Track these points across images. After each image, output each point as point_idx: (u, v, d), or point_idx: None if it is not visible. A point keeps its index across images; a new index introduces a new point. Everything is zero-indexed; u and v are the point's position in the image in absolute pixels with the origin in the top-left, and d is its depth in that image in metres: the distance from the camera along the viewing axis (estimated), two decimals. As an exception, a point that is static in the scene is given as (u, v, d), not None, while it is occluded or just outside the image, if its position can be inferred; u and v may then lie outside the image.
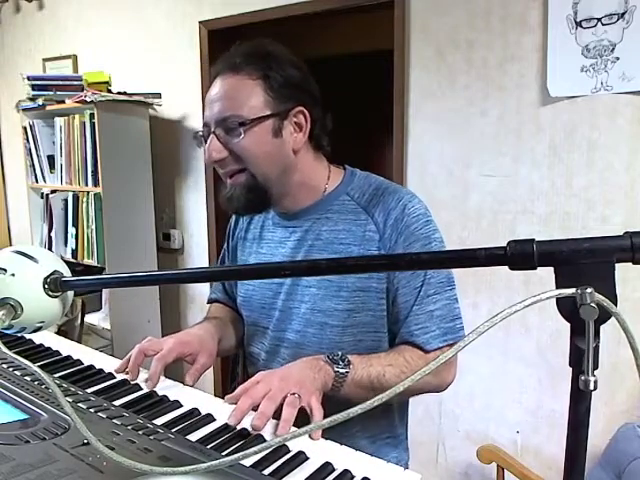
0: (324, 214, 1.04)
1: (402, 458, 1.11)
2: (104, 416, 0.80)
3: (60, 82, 2.61)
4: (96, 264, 2.57)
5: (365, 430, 1.03)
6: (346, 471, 0.70)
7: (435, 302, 0.99)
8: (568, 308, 0.43)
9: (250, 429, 0.80)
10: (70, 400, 0.85)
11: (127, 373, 0.98)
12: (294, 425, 0.80)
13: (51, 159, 2.73)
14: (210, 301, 1.27)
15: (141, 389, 0.94)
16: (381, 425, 1.07)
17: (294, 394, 0.83)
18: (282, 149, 0.97)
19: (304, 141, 0.99)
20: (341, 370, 0.91)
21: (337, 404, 0.93)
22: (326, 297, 1.01)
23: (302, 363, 0.92)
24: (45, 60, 3.20)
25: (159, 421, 0.81)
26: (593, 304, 0.41)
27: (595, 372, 0.42)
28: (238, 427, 0.81)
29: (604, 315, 0.41)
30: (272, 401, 0.81)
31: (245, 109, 0.94)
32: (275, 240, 1.09)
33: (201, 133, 1.00)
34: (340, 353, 0.94)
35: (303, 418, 0.82)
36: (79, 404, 0.84)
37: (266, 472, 0.69)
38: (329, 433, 0.73)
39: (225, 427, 0.81)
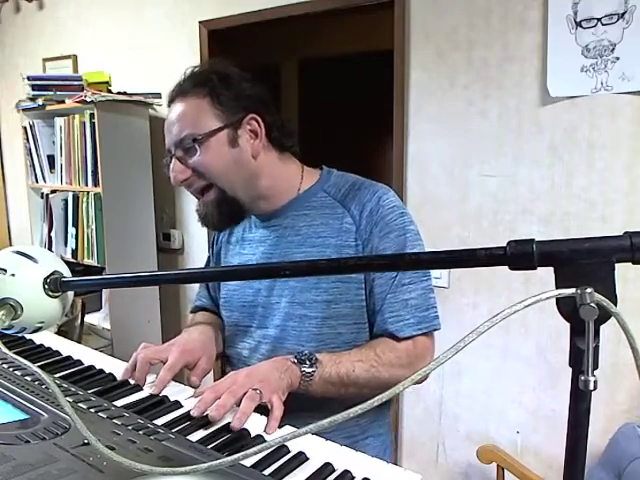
0: (302, 211, 1.06)
1: (384, 457, 1.11)
2: (104, 416, 0.80)
3: (60, 82, 2.61)
4: (96, 264, 2.56)
5: (342, 430, 1.02)
6: (346, 471, 0.70)
7: (410, 291, 1.01)
8: (568, 308, 0.43)
9: (250, 429, 0.81)
10: (70, 400, 0.84)
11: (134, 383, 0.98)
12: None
13: (51, 159, 2.73)
14: (195, 309, 1.27)
15: (141, 389, 0.94)
16: (361, 425, 1.07)
17: (256, 389, 0.86)
18: (241, 157, 1.00)
19: (262, 146, 1.02)
20: (307, 370, 0.93)
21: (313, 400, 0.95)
22: (305, 289, 1.02)
23: (270, 363, 0.95)
24: (45, 60, 3.20)
25: (159, 421, 0.81)
26: (593, 304, 0.41)
27: (595, 372, 0.42)
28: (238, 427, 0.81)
29: (604, 315, 0.41)
30: (232, 394, 0.85)
31: (196, 126, 0.97)
32: (256, 240, 1.11)
33: (166, 160, 1.02)
34: (308, 352, 0.96)
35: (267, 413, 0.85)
36: (79, 404, 0.84)
37: (266, 472, 0.69)
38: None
39: (226, 428, 0.81)
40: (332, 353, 0.99)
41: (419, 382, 1.07)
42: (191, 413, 0.83)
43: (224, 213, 1.02)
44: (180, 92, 1.01)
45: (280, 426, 0.83)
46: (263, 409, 0.86)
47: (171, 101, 1.03)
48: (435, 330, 1.03)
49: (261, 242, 1.09)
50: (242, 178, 1.01)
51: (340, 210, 1.04)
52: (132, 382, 0.96)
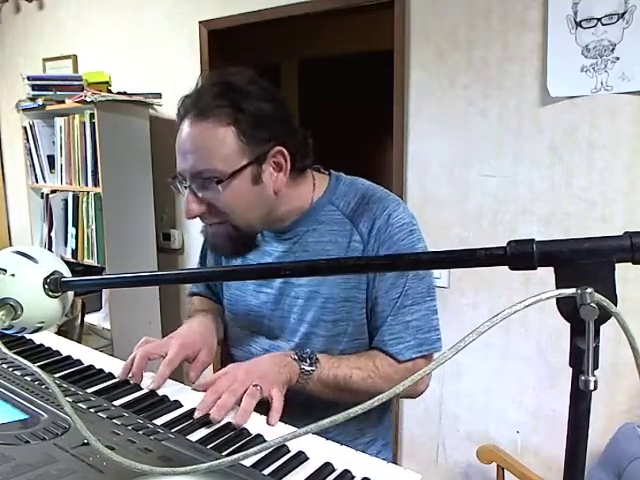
0: (311, 225, 1.03)
1: (386, 457, 1.12)
2: (104, 416, 0.80)
3: (60, 82, 2.61)
4: (96, 264, 2.56)
5: (343, 431, 1.02)
6: (346, 471, 0.70)
7: (412, 313, 0.99)
8: (568, 308, 0.43)
9: (249, 428, 0.81)
10: (70, 400, 0.84)
11: (131, 377, 0.98)
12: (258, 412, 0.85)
13: (51, 159, 2.73)
14: (192, 294, 1.27)
15: (141, 389, 0.94)
16: (361, 426, 1.08)
17: (256, 386, 0.86)
18: (263, 194, 0.94)
19: (285, 179, 0.96)
20: (307, 368, 0.93)
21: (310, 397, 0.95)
22: (313, 308, 1.01)
23: (270, 357, 0.95)
24: (45, 60, 3.20)
25: (159, 421, 0.81)
26: (593, 304, 0.41)
27: (595, 372, 0.42)
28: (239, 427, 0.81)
29: (604, 315, 0.41)
30: (232, 394, 0.85)
31: (220, 163, 0.89)
32: (261, 250, 1.08)
33: (176, 180, 0.96)
34: (309, 351, 0.96)
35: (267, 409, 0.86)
36: (79, 404, 0.84)
37: (266, 472, 0.69)
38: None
39: (225, 427, 0.81)
40: (332, 356, 0.99)
41: (415, 396, 1.07)
42: (194, 415, 0.83)
43: (237, 246, 0.99)
44: (198, 110, 0.90)
45: (282, 421, 0.84)
46: (263, 408, 0.86)
47: (184, 113, 0.92)
48: (436, 352, 1.02)
49: (267, 254, 1.07)
50: (260, 214, 0.97)
51: (349, 227, 1.00)
52: (132, 382, 0.96)
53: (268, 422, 0.83)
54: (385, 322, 0.99)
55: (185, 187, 0.94)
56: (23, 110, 2.72)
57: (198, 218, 0.97)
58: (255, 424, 0.83)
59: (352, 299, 1.00)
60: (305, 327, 1.02)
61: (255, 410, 0.85)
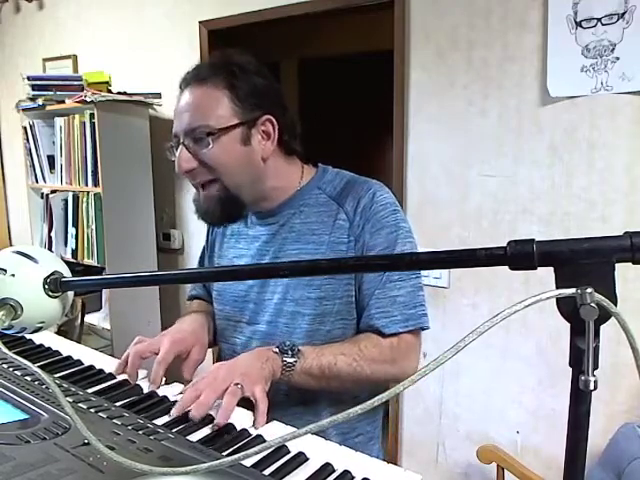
0: (297, 208, 1.06)
1: (372, 454, 1.12)
2: (104, 416, 0.80)
3: (60, 82, 2.61)
4: (96, 264, 2.57)
5: (336, 427, 1.03)
6: (346, 472, 0.70)
7: (399, 288, 1.01)
8: (568, 308, 0.43)
9: (249, 428, 0.81)
10: (70, 400, 0.84)
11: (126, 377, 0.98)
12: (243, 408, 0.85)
13: (51, 159, 2.73)
14: (190, 297, 1.30)
15: (141, 389, 0.94)
16: (351, 422, 1.07)
17: (237, 384, 0.86)
18: (251, 157, 1.00)
19: (272, 149, 1.01)
20: (289, 360, 0.93)
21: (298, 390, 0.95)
22: (299, 286, 1.02)
23: (251, 354, 0.95)
24: (45, 60, 3.20)
25: (159, 421, 0.81)
26: (593, 304, 0.41)
27: (595, 372, 0.42)
28: (238, 427, 0.81)
29: (604, 315, 0.41)
30: (213, 391, 0.85)
31: (212, 119, 0.96)
32: (251, 235, 1.12)
33: (171, 144, 1.02)
34: (290, 343, 0.96)
35: (251, 407, 0.86)
36: (79, 404, 0.84)
37: (266, 472, 0.69)
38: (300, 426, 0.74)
39: (225, 427, 0.81)
40: (315, 346, 0.99)
41: (400, 379, 1.07)
42: (171, 413, 0.83)
43: (226, 211, 1.02)
44: (197, 77, 0.98)
45: (268, 421, 0.83)
46: (251, 404, 0.85)
47: (185, 85, 1.00)
48: (422, 328, 1.03)
49: (256, 238, 1.10)
50: (248, 178, 1.01)
51: (334, 207, 1.04)
52: (131, 382, 0.96)
53: (254, 426, 0.82)
54: (372, 296, 1.01)
55: (179, 145, 0.99)
56: (23, 110, 2.72)
57: (189, 182, 1.02)
58: (251, 422, 0.82)
59: (339, 276, 1.01)
60: (291, 306, 1.03)
61: (247, 408, 0.85)
